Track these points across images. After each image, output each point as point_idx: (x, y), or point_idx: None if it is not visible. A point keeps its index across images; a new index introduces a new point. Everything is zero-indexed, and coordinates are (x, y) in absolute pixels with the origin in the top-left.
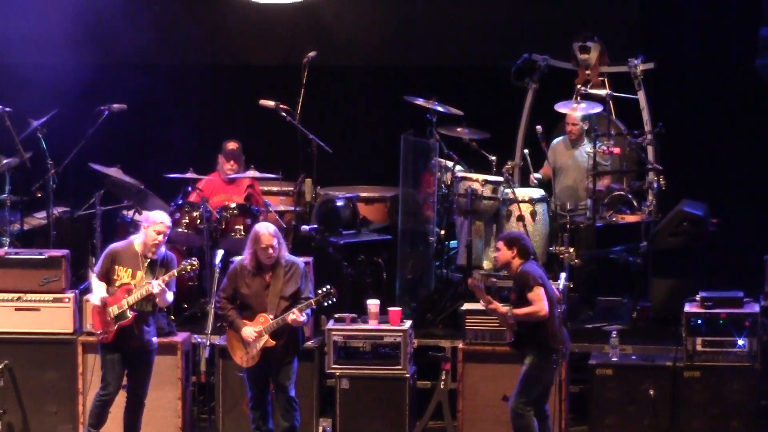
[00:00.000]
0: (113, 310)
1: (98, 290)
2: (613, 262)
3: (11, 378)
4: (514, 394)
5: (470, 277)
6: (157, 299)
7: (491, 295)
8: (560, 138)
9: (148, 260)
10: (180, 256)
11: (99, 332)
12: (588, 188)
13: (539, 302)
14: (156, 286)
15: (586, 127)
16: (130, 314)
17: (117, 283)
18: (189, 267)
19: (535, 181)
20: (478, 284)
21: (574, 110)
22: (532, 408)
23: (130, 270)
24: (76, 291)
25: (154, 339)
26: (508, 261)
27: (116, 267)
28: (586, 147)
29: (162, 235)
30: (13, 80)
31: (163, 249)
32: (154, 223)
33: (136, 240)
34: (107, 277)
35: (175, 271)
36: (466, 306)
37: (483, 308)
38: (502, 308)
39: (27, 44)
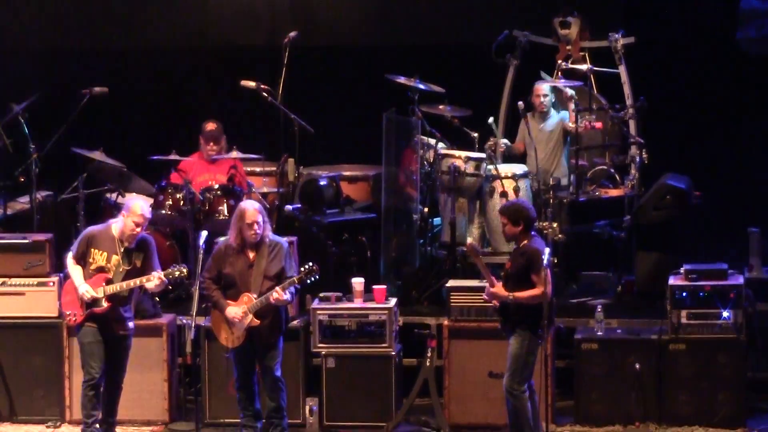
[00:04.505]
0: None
1: (77, 275)
2: (596, 236)
3: None
4: (506, 376)
5: (468, 244)
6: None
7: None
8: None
9: (125, 245)
10: (163, 238)
11: (68, 313)
12: (571, 164)
13: (544, 286)
14: (154, 282)
15: (553, 100)
16: (105, 303)
17: (92, 267)
18: (177, 273)
19: (503, 146)
20: (477, 249)
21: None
22: (526, 388)
23: (105, 254)
24: (61, 275)
25: (131, 324)
26: (515, 235)
27: (92, 250)
28: (553, 119)
29: (139, 227)
30: None
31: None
32: (132, 213)
33: (114, 224)
34: (83, 259)
35: (164, 273)
36: (451, 283)
37: (468, 285)
38: (503, 292)
39: (6, 30)
